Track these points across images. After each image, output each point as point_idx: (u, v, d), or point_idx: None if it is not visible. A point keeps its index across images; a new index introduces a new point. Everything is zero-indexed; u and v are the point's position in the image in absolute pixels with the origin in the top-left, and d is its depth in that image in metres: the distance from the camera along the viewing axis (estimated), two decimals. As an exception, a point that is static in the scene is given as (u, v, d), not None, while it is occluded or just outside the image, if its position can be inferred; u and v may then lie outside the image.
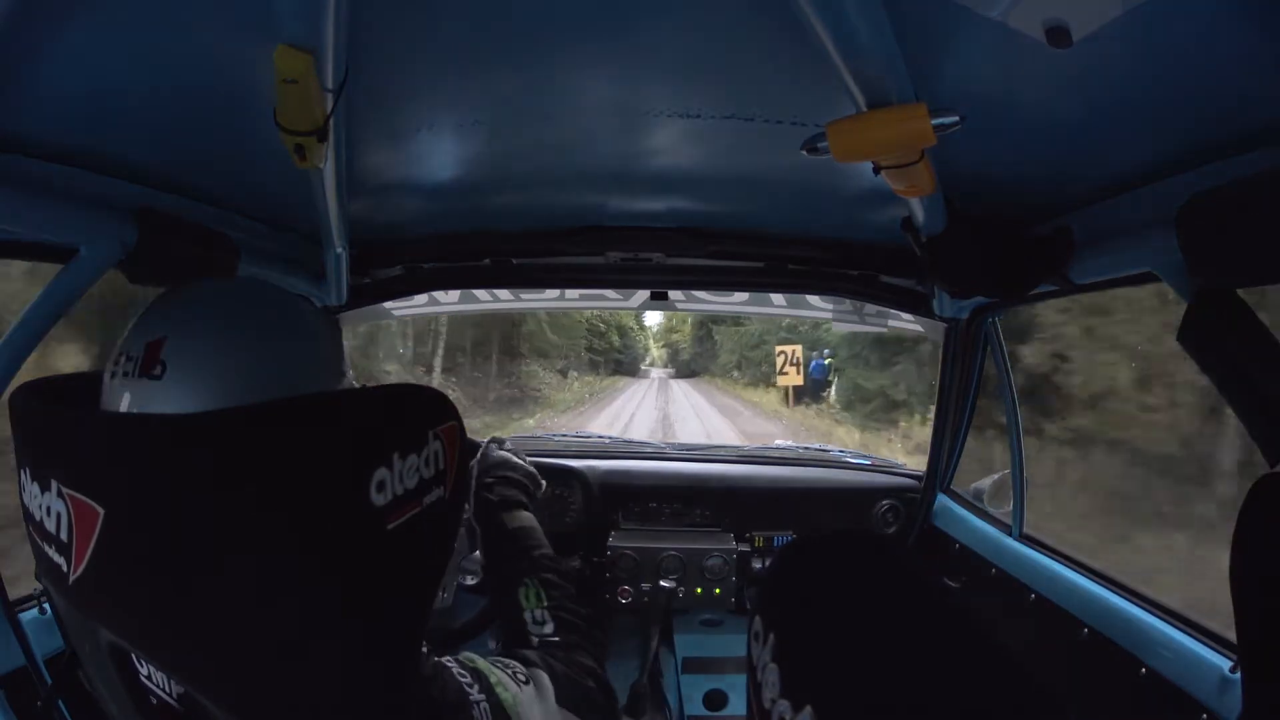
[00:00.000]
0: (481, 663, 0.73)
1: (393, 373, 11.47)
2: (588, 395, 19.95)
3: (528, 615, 0.91)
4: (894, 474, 2.10)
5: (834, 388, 14.22)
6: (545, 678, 0.79)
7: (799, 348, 13.56)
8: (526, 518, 1.07)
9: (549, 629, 0.89)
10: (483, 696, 0.68)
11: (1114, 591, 1.29)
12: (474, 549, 1.29)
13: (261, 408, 0.55)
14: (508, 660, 0.78)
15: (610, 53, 0.87)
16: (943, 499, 1.94)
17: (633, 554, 1.89)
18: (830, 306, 2.00)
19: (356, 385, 0.70)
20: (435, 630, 1.33)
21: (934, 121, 0.82)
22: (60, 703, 0.88)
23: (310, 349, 0.65)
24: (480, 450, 1.17)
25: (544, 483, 1.15)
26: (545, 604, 0.91)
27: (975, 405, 1.87)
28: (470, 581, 1.28)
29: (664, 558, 1.89)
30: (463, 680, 0.68)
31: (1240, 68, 0.71)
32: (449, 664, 0.70)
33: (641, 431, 12.76)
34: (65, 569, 0.53)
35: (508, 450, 1.18)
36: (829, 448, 2.39)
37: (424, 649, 0.67)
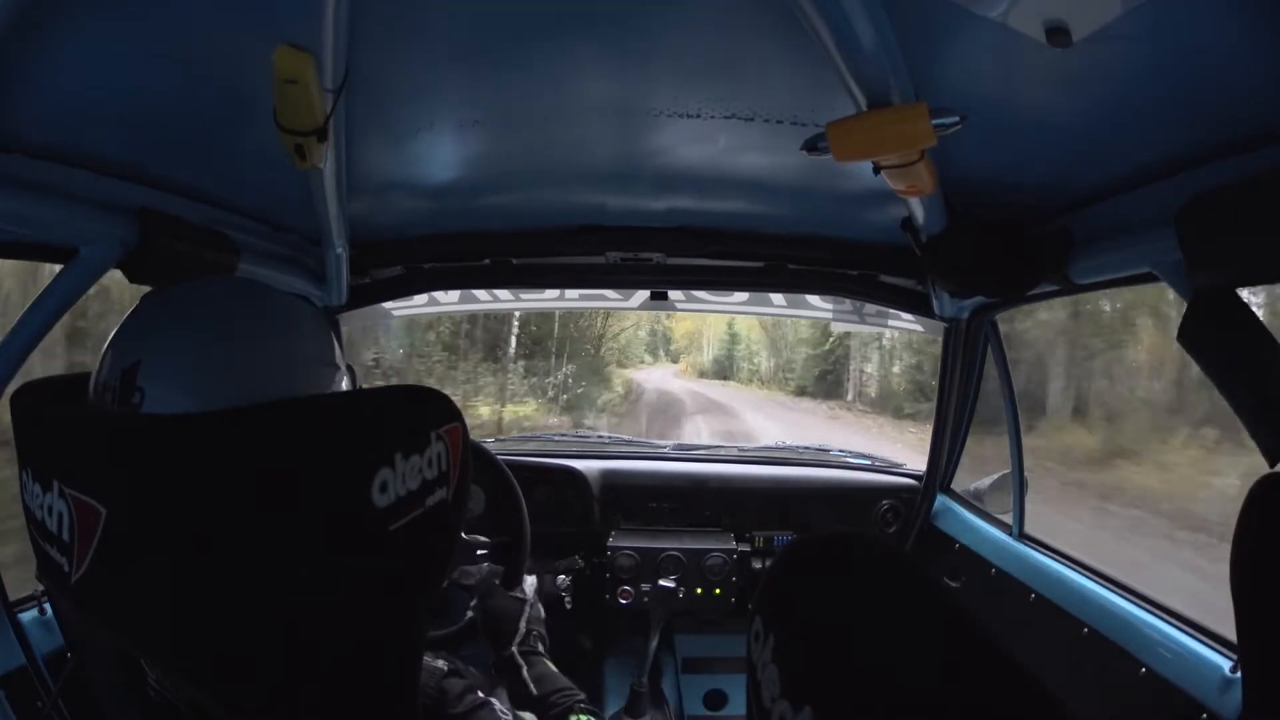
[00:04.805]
0: None
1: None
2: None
3: None
4: (894, 474, 2.10)
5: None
6: None
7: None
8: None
9: None
10: None
11: (1114, 591, 1.29)
12: (475, 561, 1.30)
13: (263, 408, 0.55)
14: None
15: (610, 53, 0.87)
16: (943, 499, 1.94)
17: (633, 554, 1.89)
18: (830, 306, 2.00)
19: (351, 384, 0.69)
20: (432, 632, 1.34)
21: (934, 122, 0.82)
22: (60, 703, 0.88)
23: (300, 347, 0.64)
24: (530, 595, 1.26)
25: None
26: None
27: (975, 405, 1.87)
28: (468, 582, 1.28)
29: (664, 558, 1.89)
30: (505, 718, 0.68)
31: (1240, 68, 0.71)
32: (502, 711, 0.70)
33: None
34: (67, 569, 0.53)
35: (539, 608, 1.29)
36: (829, 447, 2.38)
37: (472, 687, 0.67)
